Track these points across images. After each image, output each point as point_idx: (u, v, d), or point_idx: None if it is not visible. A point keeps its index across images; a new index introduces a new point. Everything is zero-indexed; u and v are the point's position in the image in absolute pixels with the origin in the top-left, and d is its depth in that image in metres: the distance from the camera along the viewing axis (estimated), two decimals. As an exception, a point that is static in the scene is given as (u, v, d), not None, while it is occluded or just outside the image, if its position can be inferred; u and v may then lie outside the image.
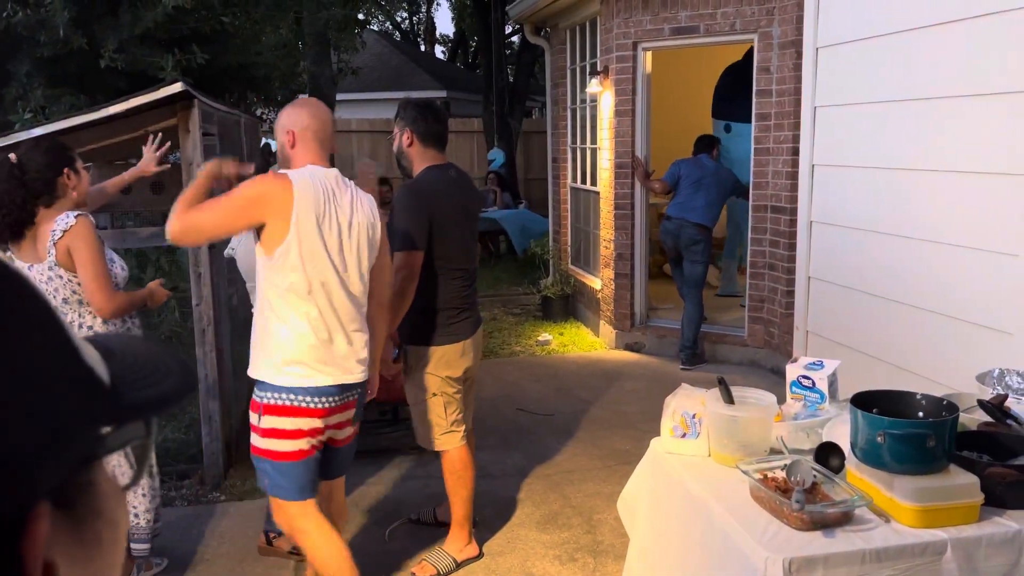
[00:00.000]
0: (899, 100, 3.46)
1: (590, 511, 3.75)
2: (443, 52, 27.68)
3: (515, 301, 8.40)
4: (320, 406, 2.48)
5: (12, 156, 2.74)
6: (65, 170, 2.78)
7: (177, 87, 3.45)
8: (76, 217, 2.74)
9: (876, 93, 3.59)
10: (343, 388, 2.53)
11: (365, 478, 4.15)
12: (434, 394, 3.20)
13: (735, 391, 2.33)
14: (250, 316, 3.61)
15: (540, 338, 6.73)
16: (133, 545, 3.06)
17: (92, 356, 0.42)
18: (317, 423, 2.49)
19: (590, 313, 7.10)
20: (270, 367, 2.47)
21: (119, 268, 2.94)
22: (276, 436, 2.48)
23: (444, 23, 62.08)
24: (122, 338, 0.48)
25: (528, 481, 4.09)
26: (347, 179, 2.67)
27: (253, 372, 2.53)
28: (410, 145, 3.14)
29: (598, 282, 6.82)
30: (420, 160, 3.15)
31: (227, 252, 3.49)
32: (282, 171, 2.50)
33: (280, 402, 2.45)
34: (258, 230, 2.44)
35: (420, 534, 3.60)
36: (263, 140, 6.45)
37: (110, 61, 5.15)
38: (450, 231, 3.11)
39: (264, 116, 7.58)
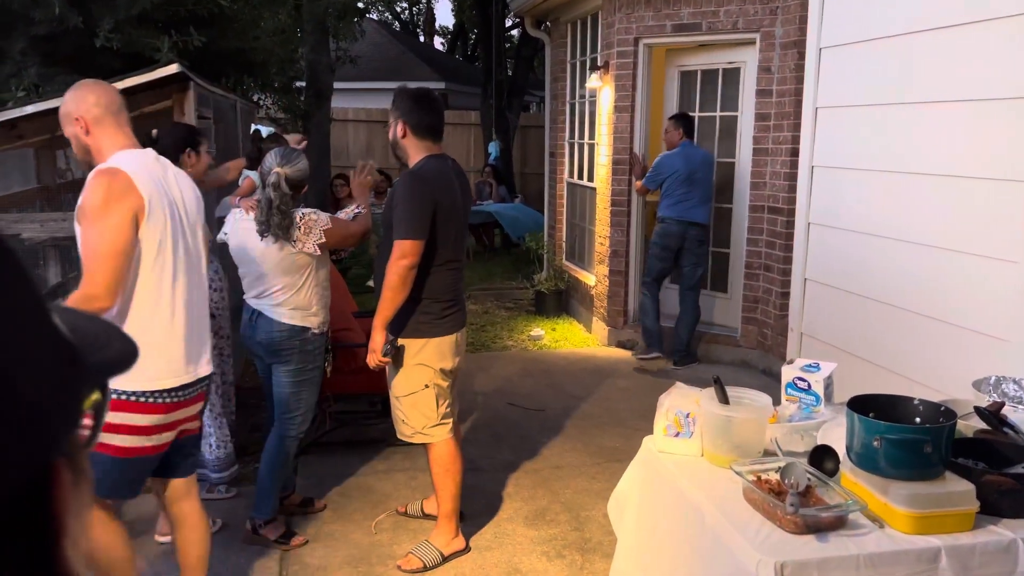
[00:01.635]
0: (901, 103, 3.44)
1: (578, 508, 3.73)
2: (442, 44, 27.57)
3: (508, 295, 8.37)
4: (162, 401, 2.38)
5: (154, 132, 3.18)
6: (187, 150, 3.26)
7: (173, 68, 3.40)
8: None
9: (878, 95, 3.57)
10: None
11: (353, 469, 4.12)
12: (426, 386, 3.16)
13: (730, 391, 2.31)
14: (240, 303, 3.57)
15: (532, 333, 6.70)
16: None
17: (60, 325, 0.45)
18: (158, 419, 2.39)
19: (583, 309, 7.08)
20: None
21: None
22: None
23: (444, 14, 61.82)
24: (63, 310, 0.49)
25: (517, 476, 4.07)
26: (164, 158, 2.52)
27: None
28: (404, 136, 3.09)
29: (592, 278, 6.80)
30: (416, 151, 3.10)
31: (220, 237, 3.45)
32: (106, 165, 2.32)
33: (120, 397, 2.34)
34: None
35: (407, 526, 3.57)
36: (253, 126, 6.39)
37: (105, 41, 5.08)
38: (450, 222, 3.07)
39: (260, 102, 7.53)
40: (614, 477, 4.05)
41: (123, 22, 5.20)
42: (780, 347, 5.47)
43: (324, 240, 3.22)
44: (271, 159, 3.23)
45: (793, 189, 5.47)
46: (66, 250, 5.13)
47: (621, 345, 6.35)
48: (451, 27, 26.96)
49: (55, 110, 3.40)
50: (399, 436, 3.33)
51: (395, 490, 3.90)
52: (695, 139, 5.88)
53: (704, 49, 6.01)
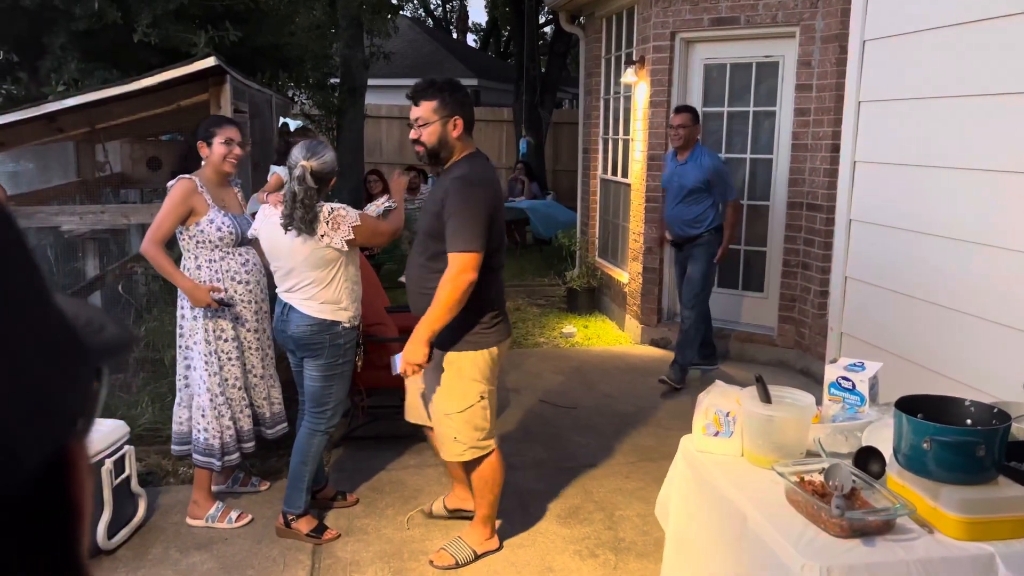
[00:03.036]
0: (947, 96, 3.33)
1: (612, 507, 3.68)
2: (475, 40, 27.58)
3: (540, 292, 8.33)
4: None
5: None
6: (199, 141, 3.40)
7: (210, 62, 3.41)
8: (179, 179, 3.29)
9: (924, 89, 3.47)
10: None
11: (385, 463, 4.11)
12: (481, 397, 3.02)
13: (772, 390, 2.25)
14: (271, 296, 3.58)
15: (564, 330, 6.65)
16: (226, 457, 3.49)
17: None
18: None
19: (616, 307, 7.02)
20: None
21: (215, 227, 3.34)
22: None
23: (477, 11, 61.82)
24: (68, 299, 0.49)
25: (549, 474, 4.03)
26: None
27: None
28: (458, 134, 2.88)
29: (625, 276, 6.73)
30: (462, 149, 2.92)
31: (250, 232, 3.46)
32: None
33: None
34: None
35: (439, 522, 3.55)
36: (280, 120, 6.42)
37: (143, 36, 5.14)
38: (499, 225, 2.93)
39: (295, 98, 7.56)
40: (647, 476, 4.01)
41: (160, 17, 5.27)
42: (818, 347, 5.36)
43: (352, 236, 3.20)
44: (297, 152, 3.21)
45: (833, 186, 5.36)
46: (104, 243, 5.20)
47: (654, 343, 6.28)
48: (484, 23, 26.96)
49: (94, 103, 3.45)
50: (447, 456, 3.18)
51: (427, 485, 3.88)
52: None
53: (734, 41, 5.89)
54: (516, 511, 3.64)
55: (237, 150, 3.38)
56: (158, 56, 5.53)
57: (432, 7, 26.65)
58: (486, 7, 24.78)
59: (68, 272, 5.87)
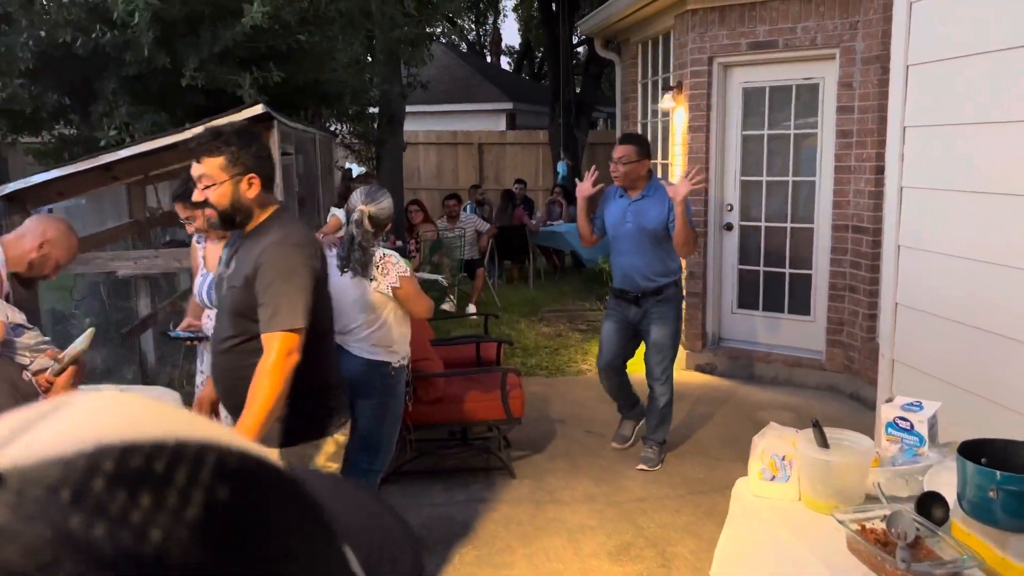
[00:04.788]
0: (998, 122, 3.27)
1: (664, 543, 3.65)
2: (509, 63, 27.80)
3: (581, 317, 8.31)
4: None
5: None
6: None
7: (258, 109, 3.50)
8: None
9: (973, 114, 3.41)
10: None
11: (434, 499, 4.13)
12: None
13: (828, 433, 2.21)
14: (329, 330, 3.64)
15: (608, 356, 6.61)
16: None
17: (352, 558, 0.38)
18: None
19: (659, 332, 6.97)
20: None
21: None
22: None
23: (510, 34, 62.37)
24: (346, 496, 0.42)
25: (599, 508, 4.01)
26: None
27: None
28: (254, 194, 2.36)
29: (668, 300, 6.69)
30: (263, 209, 2.40)
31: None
32: None
33: None
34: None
35: (491, 560, 3.55)
36: (345, 164, 6.53)
37: (191, 79, 5.28)
38: (324, 288, 2.56)
39: (337, 132, 7.69)
40: (698, 510, 3.97)
41: (207, 60, 5.40)
42: (868, 371, 5.27)
43: (399, 285, 3.26)
44: (356, 197, 3.29)
45: (878, 208, 5.29)
46: (155, 281, 5.33)
47: (700, 369, 6.22)
48: (517, 46, 27.17)
49: (148, 152, 3.55)
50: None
51: (475, 521, 3.89)
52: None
53: (772, 65, 5.86)
54: (567, 547, 3.62)
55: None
56: (204, 97, 5.67)
57: (465, 31, 26.94)
58: (520, 30, 25.00)
59: (120, 310, 6.02)
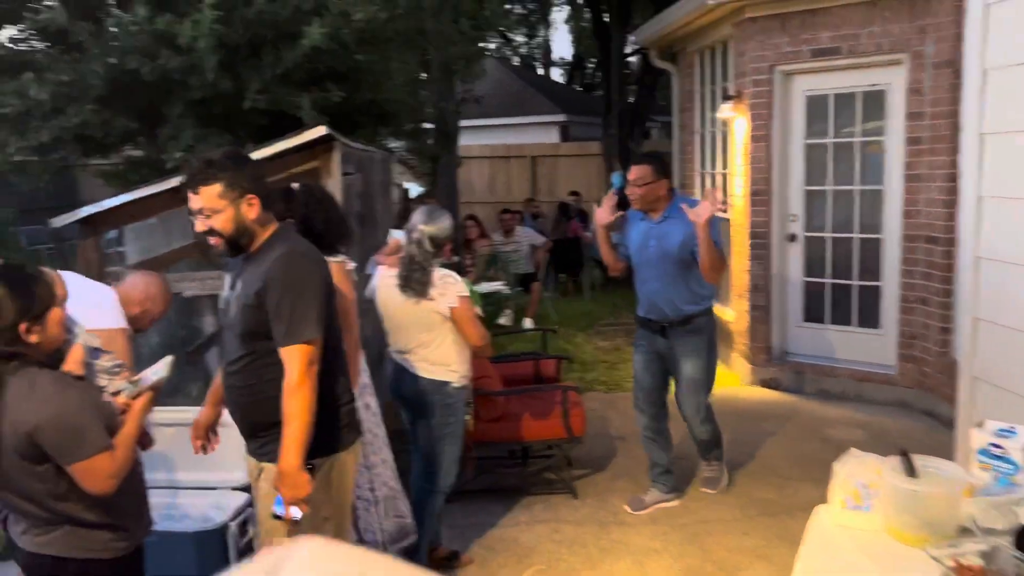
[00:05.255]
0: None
1: (733, 568, 3.54)
2: (561, 75, 27.81)
3: (639, 330, 8.19)
4: None
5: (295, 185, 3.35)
6: None
7: (321, 131, 3.53)
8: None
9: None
10: None
11: (495, 519, 4.08)
12: (326, 519, 2.61)
13: (916, 460, 2.11)
14: (383, 349, 3.64)
15: (669, 372, 6.50)
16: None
17: None
18: None
19: (722, 345, 6.81)
20: None
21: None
22: None
23: (560, 46, 62.47)
24: None
25: (663, 530, 3.91)
26: None
27: None
28: (256, 214, 2.32)
29: (731, 313, 6.55)
30: (265, 228, 2.38)
31: (366, 292, 3.54)
32: None
33: None
34: None
35: (555, 584, 3.49)
36: (403, 184, 6.58)
37: (253, 102, 5.38)
38: (331, 298, 2.54)
39: (393, 149, 7.76)
40: (768, 532, 3.84)
41: (268, 82, 5.49)
42: (943, 387, 5.06)
43: (456, 305, 3.23)
44: (416, 217, 3.30)
45: (951, 217, 5.10)
46: (217, 299, 5.42)
47: (765, 384, 6.07)
48: (569, 58, 27.16)
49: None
50: None
51: (538, 543, 3.83)
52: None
53: (836, 71, 5.69)
54: (632, 571, 3.54)
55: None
56: (266, 118, 5.78)
57: (516, 45, 27.04)
58: (571, 42, 24.99)
59: (185, 328, 6.15)
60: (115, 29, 5.04)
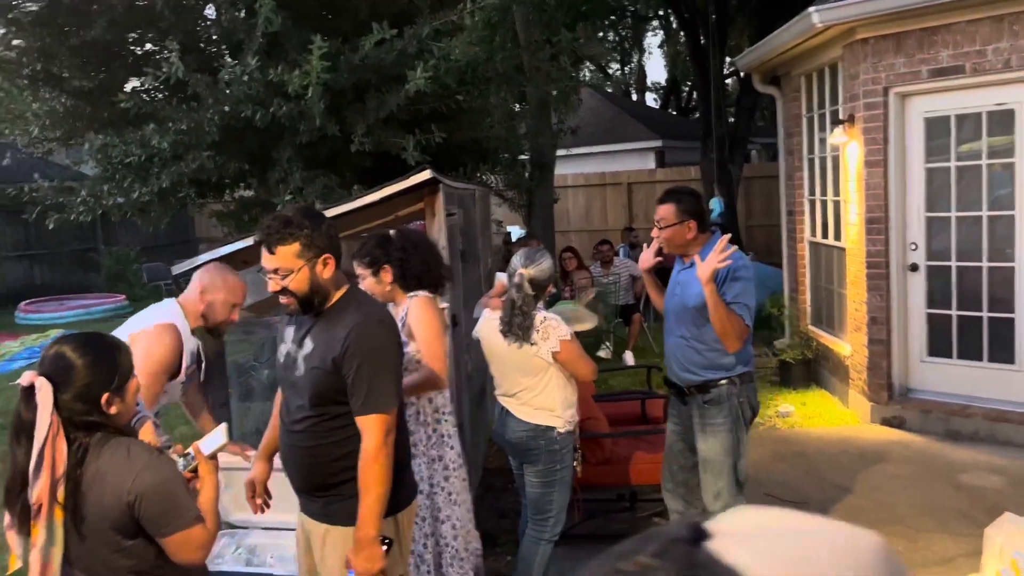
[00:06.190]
0: None
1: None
2: (654, 100, 27.61)
3: (746, 363, 7.90)
4: None
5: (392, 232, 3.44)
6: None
7: (426, 175, 3.55)
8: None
9: None
10: None
11: (605, 566, 3.95)
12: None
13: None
14: (485, 385, 3.61)
15: (780, 409, 6.23)
16: None
17: None
18: None
19: (836, 380, 6.50)
20: None
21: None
22: None
23: (654, 70, 62.15)
24: None
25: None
26: None
27: None
28: (331, 273, 2.31)
29: (847, 347, 6.23)
30: (337, 288, 2.36)
31: (473, 334, 3.52)
32: None
33: None
34: None
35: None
36: (507, 228, 6.60)
37: (359, 145, 5.50)
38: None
39: (491, 184, 7.81)
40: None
41: (373, 125, 5.62)
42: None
43: (559, 350, 3.16)
44: (516, 260, 3.26)
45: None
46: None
47: (886, 422, 5.72)
48: (663, 82, 26.95)
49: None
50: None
51: (651, 593, 3.67)
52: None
53: (957, 91, 5.36)
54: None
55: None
56: (370, 160, 5.90)
57: (610, 71, 27.04)
58: (666, 66, 24.79)
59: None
60: (228, 79, 5.26)
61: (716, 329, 3.18)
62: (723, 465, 3.31)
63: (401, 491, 2.41)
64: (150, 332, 2.79)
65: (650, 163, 17.15)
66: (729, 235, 3.23)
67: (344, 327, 2.25)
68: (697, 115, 20.54)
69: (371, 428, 2.22)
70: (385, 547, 2.26)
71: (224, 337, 4.14)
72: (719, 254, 3.05)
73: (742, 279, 3.18)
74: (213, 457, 2.11)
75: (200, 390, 3.28)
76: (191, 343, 2.95)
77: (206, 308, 2.95)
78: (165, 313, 2.92)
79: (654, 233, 3.42)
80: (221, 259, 4.05)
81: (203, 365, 3.14)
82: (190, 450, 2.10)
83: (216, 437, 2.16)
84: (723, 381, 3.29)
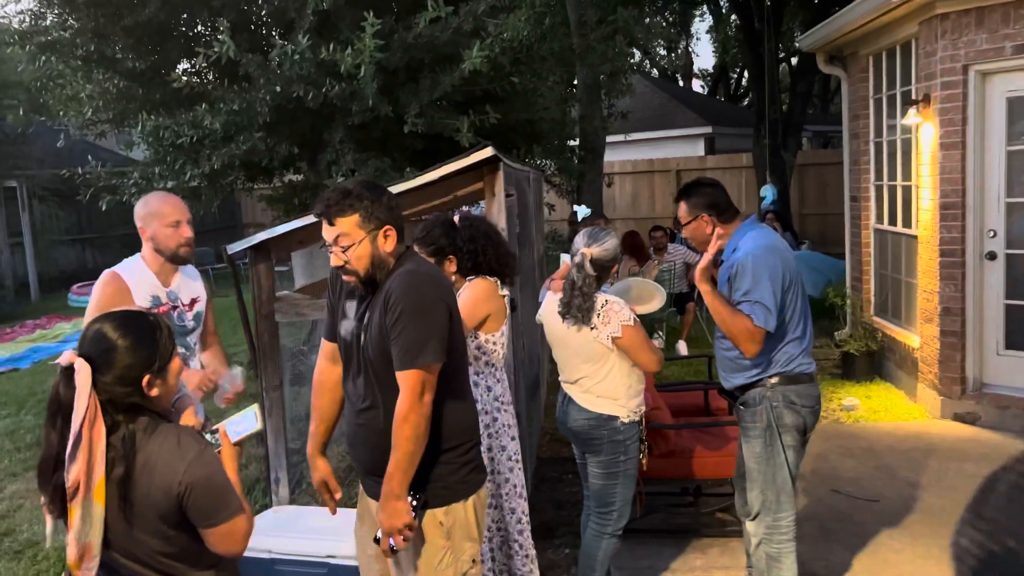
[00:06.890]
0: None
1: (953, 637, 3.09)
2: (702, 87, 27.14)
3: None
4: None
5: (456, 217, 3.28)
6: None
7: (487, 152, 3.40)
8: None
9: None
10: None
11: (667, 563, 3.80)
12: (473, 562, 2.42)
13: None
14: (539, 373, 3.46)
15: (844, 402, 5.98)
16: None
17: None
18: None
19: (903, 374, 6.22)
20: None
21: None
22: None
23: (702, 56, 61.24)
24: None
25: (863, 586, 3.50)
26: None
27: None
28: (392, 247, 2.21)
29: (915, 339, 5.95)
30: (399, 260, 2.25)
31: (537, 318, 3.38)
32: None
33: None
34: None
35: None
36: (572, 208, 6.44)
37: (412, 126, 5.38)
38: (459, 331, 2.41)
39: (543, 166, 7.65)
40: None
41: (426, 106, 5.49)
42: None
43: (620, 335, 2.98)
44: (579, 239, 3.10)
45: None
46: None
47: (959, 418, 5.45)
48: (711, 68, 26.47)
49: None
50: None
51: (718, 592, 3.51)
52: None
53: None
54: (831, 634, 3.17)
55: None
56: (423, 141, 5.79)
57: (658, 58, 26.60)
58: (715, 52, 24.31)
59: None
60: (280, 59, 5.17)
61: (725, 329, 2.95)
62: (755, 473, 3.06)
63: (474, 474, 2.31)
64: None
65: (699, 150, 16.83)
66: (723, 231, 3.03)
67: (392, 279, 2.18)
68: (747, 102, 20.12)
69: (406, 383, 2.10)
70: (413, 504, 2.14)
71: (276, 319, 4.09)
72: (711, 248, 2.92)
73: (752, 273, 2.86)
74: (239, 444, 2.01)
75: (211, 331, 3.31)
76: (149, 287, 3.01)
77: (154, 243, 3.01)
78: (117, 266, 3.03)
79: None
80: (276, 239, 3.97)
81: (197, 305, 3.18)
82: (217, 427, 2.00)
83: (247, 422, 2.05)
84: (755, 385, 3.01)
